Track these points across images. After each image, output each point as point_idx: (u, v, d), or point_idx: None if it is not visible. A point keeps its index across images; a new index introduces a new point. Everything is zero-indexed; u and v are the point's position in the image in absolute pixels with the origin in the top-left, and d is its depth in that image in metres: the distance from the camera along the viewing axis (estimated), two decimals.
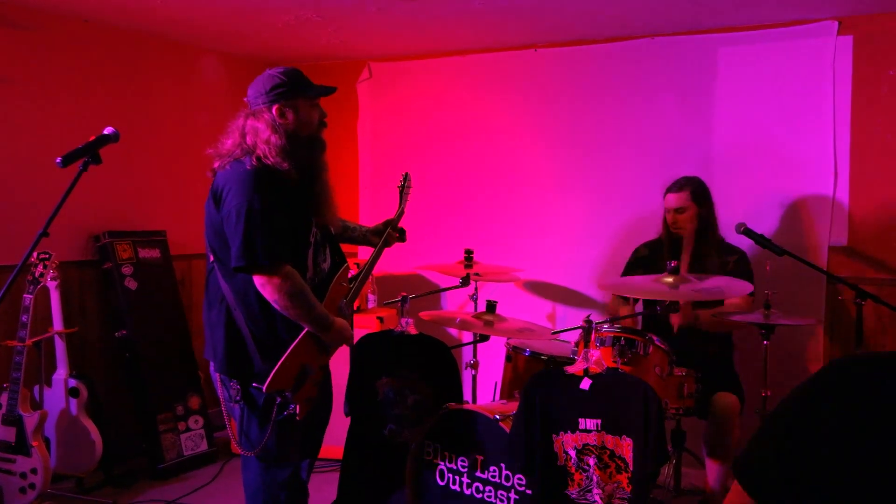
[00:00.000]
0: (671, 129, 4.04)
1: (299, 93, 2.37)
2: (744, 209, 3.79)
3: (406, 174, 3.02)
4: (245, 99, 2.40)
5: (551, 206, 4.37)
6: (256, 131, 2.33)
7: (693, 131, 4.00)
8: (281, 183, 2.32)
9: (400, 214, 2.89)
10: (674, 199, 3.40)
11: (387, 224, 2.85)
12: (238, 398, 2.40)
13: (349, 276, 2.66)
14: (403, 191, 2.96)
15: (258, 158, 2.30)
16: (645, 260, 3.53)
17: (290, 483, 2.51)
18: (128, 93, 4.15)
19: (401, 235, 2.87)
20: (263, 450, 2.43)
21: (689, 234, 3.37)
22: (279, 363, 2.32)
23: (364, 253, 4.78)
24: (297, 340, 2.36)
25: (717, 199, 3.49)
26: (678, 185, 3.42)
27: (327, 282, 2.52)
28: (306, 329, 2.37)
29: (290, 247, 2.34)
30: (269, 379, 2.31)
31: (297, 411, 2.39)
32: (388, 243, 2.81)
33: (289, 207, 2.34)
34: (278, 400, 2.38)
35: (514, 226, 4.46)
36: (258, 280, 2.29)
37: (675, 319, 3.27)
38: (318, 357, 2.49)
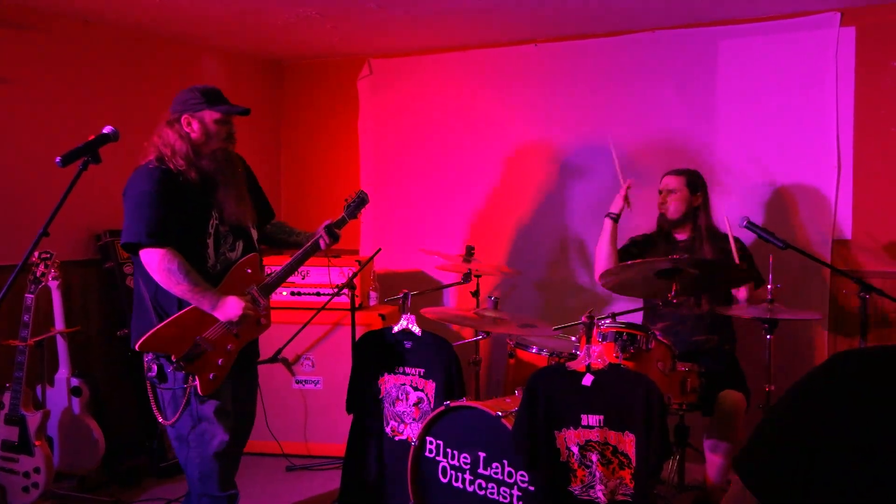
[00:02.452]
0: (673, 123, 4.03)
1: (206, 106, 2.63)
2: (746, 202, 3.77)
3: (360, 191, 3.03)
4: (169, 109, 2.68)
5: (553, 201, 4.36)
6: (166, 136, 2.63)
7: (695, 125, 3.99)
8: (177, 179, 2.59)
9: (341, 223, 2.92)
10: (668, 180, 3.47)
11: (323, 227, 2.89)
12: (152, 376, 2.63)
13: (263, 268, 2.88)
14: (351, 205, 2.99)
15: (159, 159, 2.60)
16: (637, 247, 3.57)
17: (222, 453, 2.65)
18: (128, 92, 4.14)
19: (332, 240, 2.87)
20: (188, 420, 2.62)
21: (674, 216, 3.43)
22: (156, 328, 2.55)
23: (365, 250, 4.78)
24: (180, 312, 2.57)
25: (719, 193, 3.48)
26: (676, 171, 3.51)
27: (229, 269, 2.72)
28: (191, 305, 2.57)
29: (179, 232, 2.57)
30: (141, 339, 2.53)
31: (198, 385, 2.57)
32: (317, 246, 2.85)
33: (183, 200, 2.59)
34: (167, 368, 2.59)
35: (516, 221, 4.45)
36: (143, 256, 2.55)
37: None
38: (221, 338, 2.64)
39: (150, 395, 2.67)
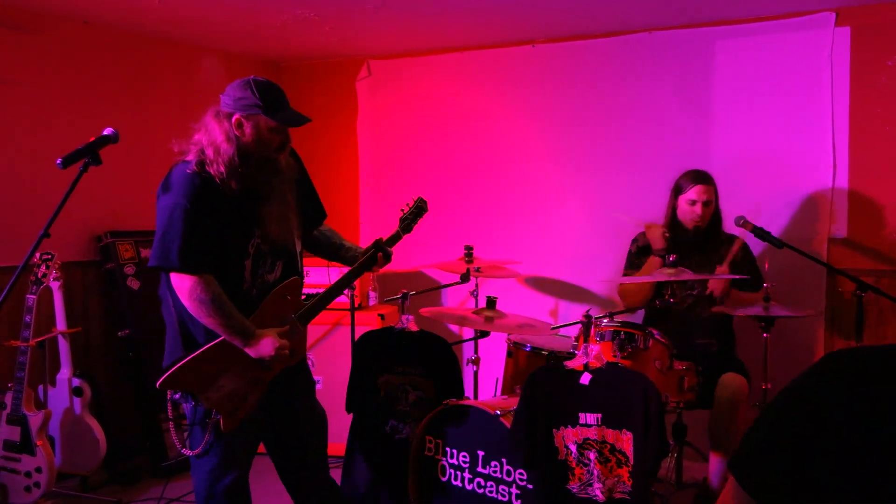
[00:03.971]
0: (670, 123, 4.05)
1: (262, 112, 2.27)
2: (742, 202, 3.78)
3: (418, 199, 2.74)
4: (220, 95, 2.35)
5: (552, 201, 4.37)
6: (212, 133, 2.30)
7: (692, 124, 4.00)
8: (217, 190, 2.28)
9: (395, 238, 2.66)
10: (704, 191, 3.32)
11: (374, 245, 2.61)
12: (177, 397, 2.39)
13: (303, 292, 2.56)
14: (407, 217, 2.70)
15: (200, 163, 2.28)
16: (648, 248, 3.47)
17: (233, 491, 2.46)
18: (128, 93, 4.15)
19: (385, 258, 2.61)
20: (204, 451, 2.41)
21: (704, 225, 3.36)
22: (178, 364, 2.30)
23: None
24: (206, 346, 2.32)
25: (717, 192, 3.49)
26: (704, 178, 3.36)
27: (267, 294, 2.45)
28: (222, 337, 2.32)
29: (216, 255, 2.29)
30: (162, 377, 2.30)
31: (221, 422, 2.35)
32: (368, 266, 2.58)
33: (222, 215, 2.29)
34: (184, 402, 2.36)
35: (515, 221, 4.47)
36: (173, 280, 2.29)
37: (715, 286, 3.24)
38: (250, 370, 2.40)
39: (171, 417, 2.44)
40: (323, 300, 2.51)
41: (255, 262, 2.39)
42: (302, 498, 2.71)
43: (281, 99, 2.32)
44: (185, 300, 2.28)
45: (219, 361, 2.34)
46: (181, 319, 2.38)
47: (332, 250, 2.71)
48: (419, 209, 2.70)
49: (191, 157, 2.31)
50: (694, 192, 3.33)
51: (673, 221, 3.42)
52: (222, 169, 2.26)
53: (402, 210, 2.71)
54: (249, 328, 2.33)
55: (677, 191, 3.41)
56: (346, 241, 2.73)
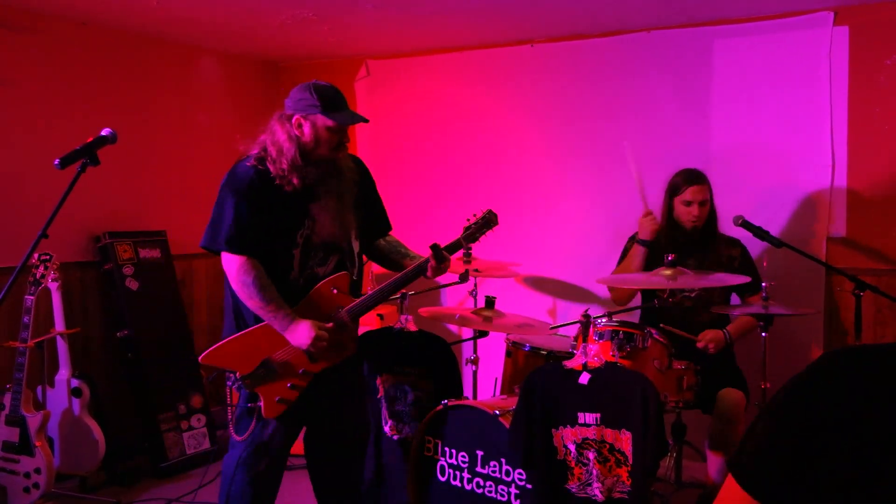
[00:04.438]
0: (668, 123, 4.05)
1: (319, 112, 2.39)
2: (741, 201, 3.79)
3: (487, 211, 2.63)
4: (284, 100, 2.48)
5: (550, 201, 4.37)
6: (274, 134, 2.44)
7: (690, 124, 4.00)
8: (272, 183, 2.42)
9: (453, 247, 2.57)
10: (699, 191, 3.31)
11: (432, 250, 2.53)
12: (231, 381, 2.49)
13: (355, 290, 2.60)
14: (472, 227, 2.60)
15: (259, 158, 2.43)
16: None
17: (260, 480, 2.51)
18: (127, 94, 4.15)
19: (438, 262, 2.52)
20: (245, 435, 2.49)
21: (700, 224, 3.34)
22: (223, 341, 2.46)
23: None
24: (252, 328, 2.46)
25: (715, 191, 3.49)
26: (698, 177, 3.35)
27: (314, 285, 2.50)
28: (265, 322, 2.44)
29: (264, 241, 2.42)
30: (205, 352, 2.43)
31: (262, 407, 2.44)
32: (421, 271, 2.53)
33: (274, 206, 2.42)
34: (230, 382, 2.46)
35: (513, 221, 4.45)
36: (223, 260, 2.44)
37: (709, 337, 3.21)
38: (293, 360, 2.46)
39: (229, 403, 2.55)
40: (372, 300, 2.52)
41: (304, 253, 2.48)
42: (327, 499, 2.75)
43: (338, 100, 2.44)
44: (233, 282, 2.42)
45: (263, 345, 2.45)
46: (236, 304, 2.49)
47: (396, 258, 2.72)
48: (487, 222, 2.60)
49: (253, 152, 2.47)
50: (689, 193, 3.33)
51: (671, 222, 3.41)
52: (285, 166, 2.40)
53: (469, 220, 2.63)
54: (288, 313, 2.41)
55: (672, 192, 3.40)
56: (411, 252, 2.74)
